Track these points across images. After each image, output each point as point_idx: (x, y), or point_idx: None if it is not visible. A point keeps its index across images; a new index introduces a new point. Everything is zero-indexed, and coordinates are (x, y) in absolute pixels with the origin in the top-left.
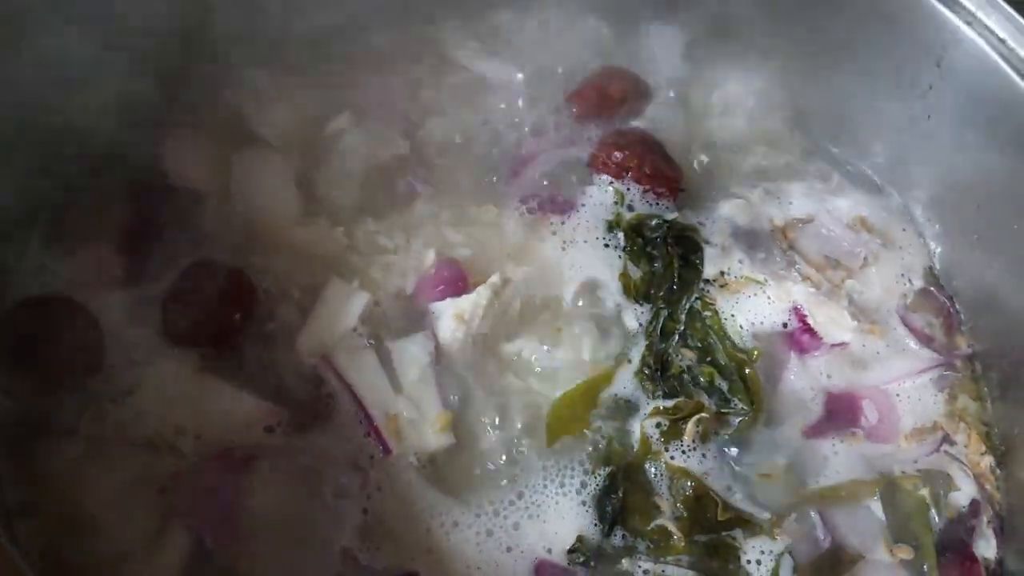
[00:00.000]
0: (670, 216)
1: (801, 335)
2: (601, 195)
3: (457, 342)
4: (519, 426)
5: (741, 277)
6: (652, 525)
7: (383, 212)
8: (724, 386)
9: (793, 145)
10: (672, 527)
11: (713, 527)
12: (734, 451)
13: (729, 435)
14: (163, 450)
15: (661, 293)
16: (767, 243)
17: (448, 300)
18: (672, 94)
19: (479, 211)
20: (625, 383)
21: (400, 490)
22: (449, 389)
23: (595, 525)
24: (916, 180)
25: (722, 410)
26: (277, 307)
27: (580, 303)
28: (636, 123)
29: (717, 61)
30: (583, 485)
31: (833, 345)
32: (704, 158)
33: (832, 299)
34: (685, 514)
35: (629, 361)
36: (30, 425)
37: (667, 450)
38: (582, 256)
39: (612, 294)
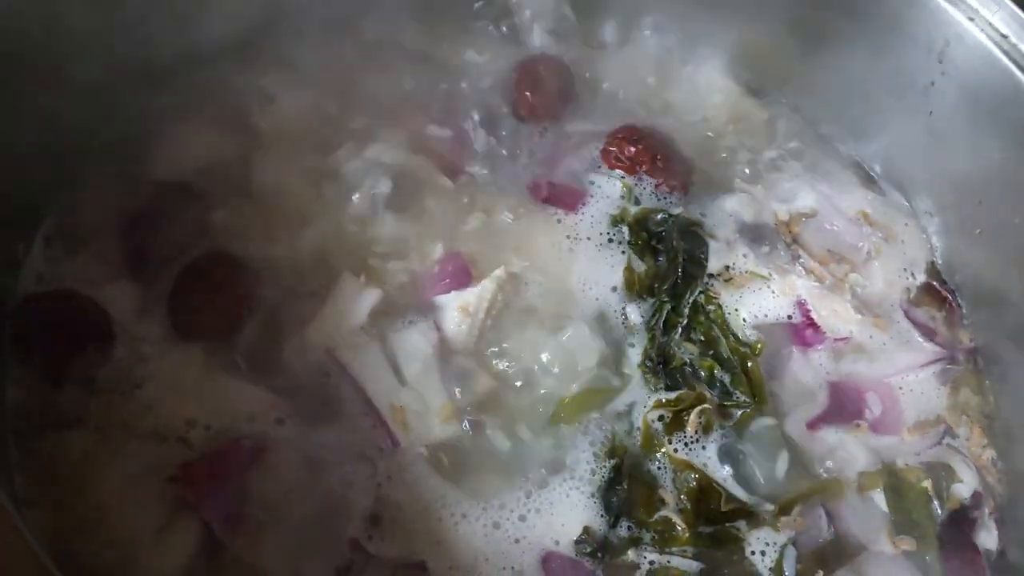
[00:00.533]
0: (675, 211)
1: (805, 329)
2: (608, 189)
3: (462, 334)
4: (525, 417)
5: (746, 272)
6: (656, 516)
7: (391, 207)
8: (726, 379)
9: (795, 140)
10: (676, 519)
11: (717, 518)
12: (737, 443)
13: (731, 427)
14: (172, 441)
15: (665, 287)
16: (771, 237)
17: (453, 293)
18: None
19: (486, 205)
20: (628, 376)
21: (409, 481)
22: (454, 381)
23: (601, 516)
24: (918, 175)
25: (724, 402)
26: (285, 300)
27: (584, 296)
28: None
29: (713, 56)
30: (589, 477)
31: (837, 339)
32: (707, 153)
33: (836, 293)
34: (689, 506)
35: (630, 354)
36: (40, 416)
37: (670, 442)
38: (587, 250)
39: (616, 288)
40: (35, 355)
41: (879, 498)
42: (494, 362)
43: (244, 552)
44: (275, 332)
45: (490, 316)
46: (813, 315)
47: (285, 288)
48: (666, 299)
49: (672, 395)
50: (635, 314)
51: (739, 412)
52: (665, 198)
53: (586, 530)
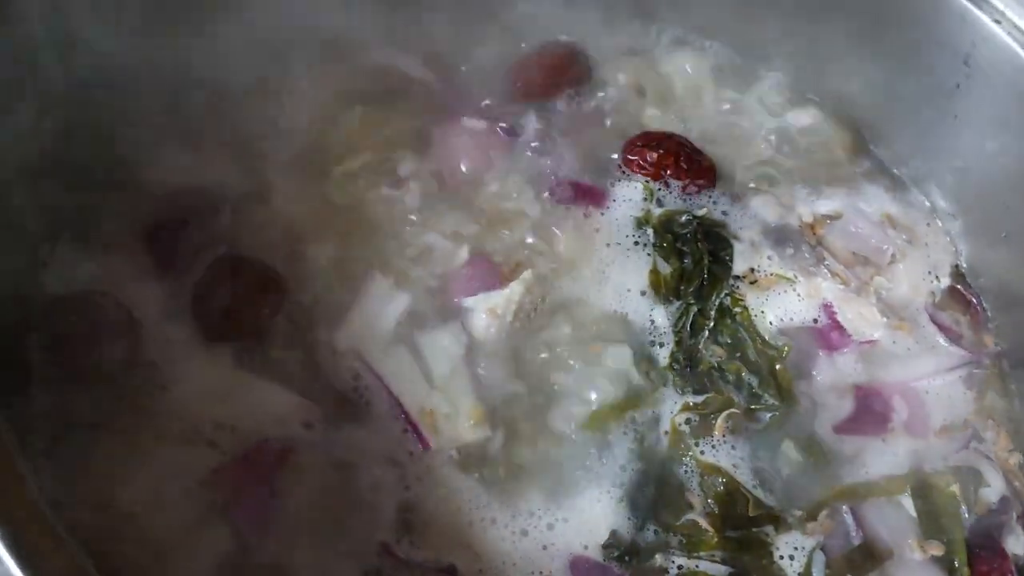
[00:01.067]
0: (699, 212)
1: (831, 332)
2: (631, 191)
3: (491, 337)
4: (553, 421)
5: (771, 274)
6: (683, 520)
7: (417, 209)
8: (754, 382)
9: (819, 143)
10: (703, 523)
11: (744, 523)
12: (764, 447)
13: (759, 430)
14: (200, 444)
15: (691, 289)
16: (796, 239)
17: (481, 295)
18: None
19: (511, 206)
20: (656, 379)
21: (438, 484)
22: (483, 383)
23: (628, 520)
24: (943, 178)
25: (752, 406)
26: (313, 303)
27: (611, 298)
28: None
29: (739, 59)
30: (616, 480)
31: (862, 342)
32: (733, 156)
33: (861, 296)
34: (716, 510)
35: (657, 357)
36: (68, 420)
37: (697, 445)
38: (613, 252)
39: (643, 290)
40: (62, 357)
41: (907, 502)
42: (522, 365)
43: (273, 555)
44: (303, 335)
45: (518, 318)
46: (839, 318)
47: (313, 291)
48: (692, 301)
49: (700, 398)
50: (662, 317)
51: (767, 415)
52: (691, 199)
53: (613, 534)
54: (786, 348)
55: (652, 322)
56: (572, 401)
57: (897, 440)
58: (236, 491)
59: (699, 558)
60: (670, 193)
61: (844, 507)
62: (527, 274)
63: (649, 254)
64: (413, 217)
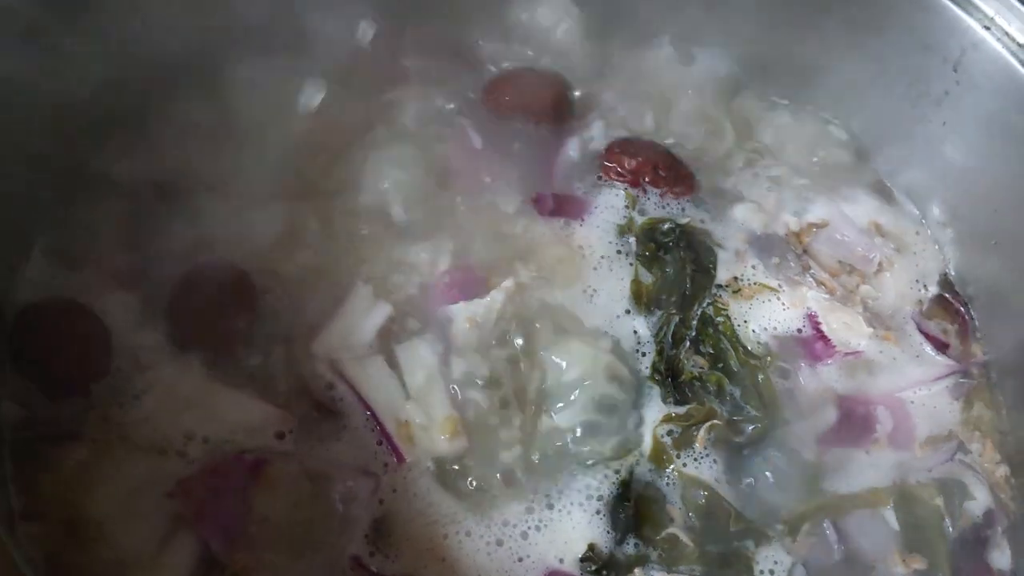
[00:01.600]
0: (682, 220)
1: (815, 342)
2: (613, 199)
3: (470, 346)
4: (531, 432)
5: (755, 283)
6: (664, 534)
7: (400, 217)
8: (736, 392)
9: (805, 150)
10: (684, 536)
11: (725, 537)
12: (746, 459)
13: (742, 442)
14: (170, 455)
15: (673, 298)
16: (781, 248)
17: (462, 304)
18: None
19: (493, 215)
20: (637, 390)
21: (413, 496)
22: (461, 393)
23: (608, 533)
24: (931, 186)
25: (734, 417)
26: (289, 311)
27: (593, 308)
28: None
29: (723, 66)
30: (595, 493)
31: (847, 353)
32: (717, 163)
33: (847, 305)
34: (697, 524)
35: (638, 367)
36: (36, 429)
37: (679, 457)
38: (594, 261)
39: (624, 300)
40: (32, 366)
41: (890, 515)
42: (501, 374)
43: (243, 568)
44: (278, 344)
45: (499, 327)
46: (823, 328)
47: (289, 299)
48: (674, 311)
49: (682, 409)
50: (643, 326)
51: (750, 427)
52: (671, 207)
53: (591, 547)
54: (769, 358)
55: (634, 332)
56: (551, 412)
57: (881, 452)
58: (206, 502)
59: (678, 572)
60: (650, 201)
61: (826, 520)
62: (508, 283)
63: (631, 263)
64: (394, 225)
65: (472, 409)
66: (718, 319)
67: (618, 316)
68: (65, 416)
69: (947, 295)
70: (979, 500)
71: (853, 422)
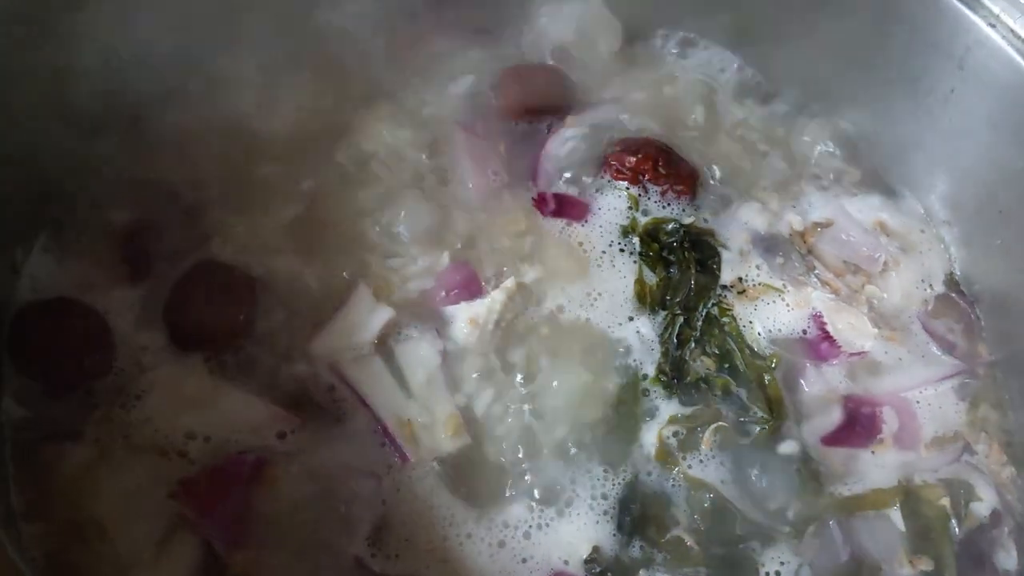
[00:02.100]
0: (687, 220)
1: (820, 343)
2: (615, 200)
3: (471, 346)
4: (534, 432)
5: (759, 284)
6: (669, 536)
7: (400, 216)
8: (742, 394)
9: (810, 149)
10: (689, 539)
11: (731, 539)
12: (752, 460)
13: (748, 443)
14: (172, 455)
15: (677, 299)
16: (786, 248)
17: (463, 304)
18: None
19: (495, 215)
20: (642, 391)
21: (415, 496)
22: (461, 393)
23: (613, 536)
24: (936, 184)
25: (740, 418)
26: (290, 311)
27: (595, 308)
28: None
29: (727, 65)
30: (599, 495)
31: (852, 353)
32: (722, 163)
33: (852, 305)
34: (702, 526)
35: (642, 368)
36: (38, 429)
37: (685, 460)
38: (597, 261)
39: (628, 300)
40: (34, 365)
41: (896, 516)
42: (503, 374)
43: (245, 569)
44: (278, 343)
45: (499, 328)
46: (828, 328)
47: (289, 299)
48: (679, 311)
49: (687, 411)
50: (648, 327)
51: (756, 428)
52: (674, 206)
53: (596, 549)
54: (774, 359)
55: (638, 332)
56: (553, 411)
57: (887, 452)
58: (207, 504)
59: (684, 574)
60: (652, 200)
61: (832, 521)
62: (509, 283)
63: (635, 263)
64: (395, 225)
65: (473, 409)
66: (723, 320)
67: (622, 316)
68: (66, 416)
69: (953, 295)
70: (985, 501)
71: (858, 423)
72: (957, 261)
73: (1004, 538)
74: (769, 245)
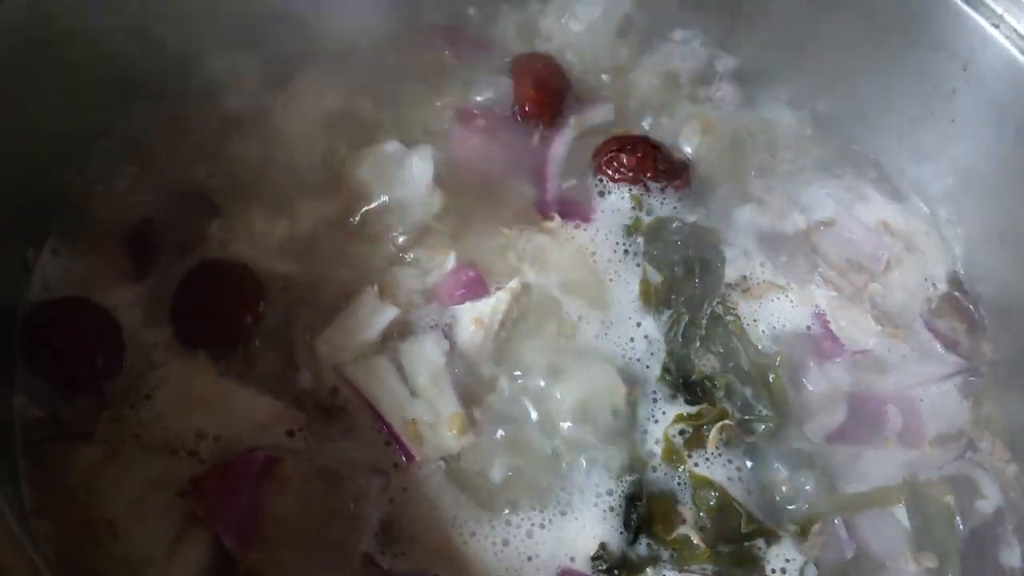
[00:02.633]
0: (690, 219)
1: (824, 340)
2: (618, 200)
3: (475, 346)
4: (539, 431)
5: (763, 282)
6: (675, 534)
7: (404, 217)
8: (747, 392)
9: (815, 147)
10: (695, 537)
11: (737, 537)
12: (758, 458)
13: (753, 442)
14: (182, 454)
15: (682, 298)
16: (789, 246)
17: (467, 304)
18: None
19: (499, 216)
20: (647, 390)
21: (423, 495)
22: (466, 392)
23: (620, 533)
24: (939, 184)
25: (746, 416)
26: (296, 309)
27: (600, 307)
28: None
29: (729, 62)
30: (605, 493)
31: (855, 351)
32: (723, 160)
33: (855, 303)
34: (708, 524)
35: (648, 367)
36: (49, 429)
37: (691, 457)
38: (602, 262)
39: (633, 300)
40: (45, 364)
41: (901, 513)
42: (507, 373)
43: (256, 566)
44: (284, 342)
45: (504, 328)
46: (832, 326)
47: (295, 297)
48: (683, 310)
49: (693, 409)
50: (652, 326)
51: (761, 426)
52: (674, 204)
53: (602, 546)
54: (779, 357)
55: (643, 332)
56: (559, 410)
57: (891, 450)
58: (217, 502)
59: (690, 571)
60: (654, 199)
61: (837, 519)
62: (514, 283)
63: (639, 263)
64: (401, 225)
65: (478, 408)
66: (728, 318)
67: (627, 316)
68: (78, 416)
69: (956, 293)
70: (990, 498)
71: (863, 420)
72: (960, 260)
73: (1008, 535)
74: (773, 244)
